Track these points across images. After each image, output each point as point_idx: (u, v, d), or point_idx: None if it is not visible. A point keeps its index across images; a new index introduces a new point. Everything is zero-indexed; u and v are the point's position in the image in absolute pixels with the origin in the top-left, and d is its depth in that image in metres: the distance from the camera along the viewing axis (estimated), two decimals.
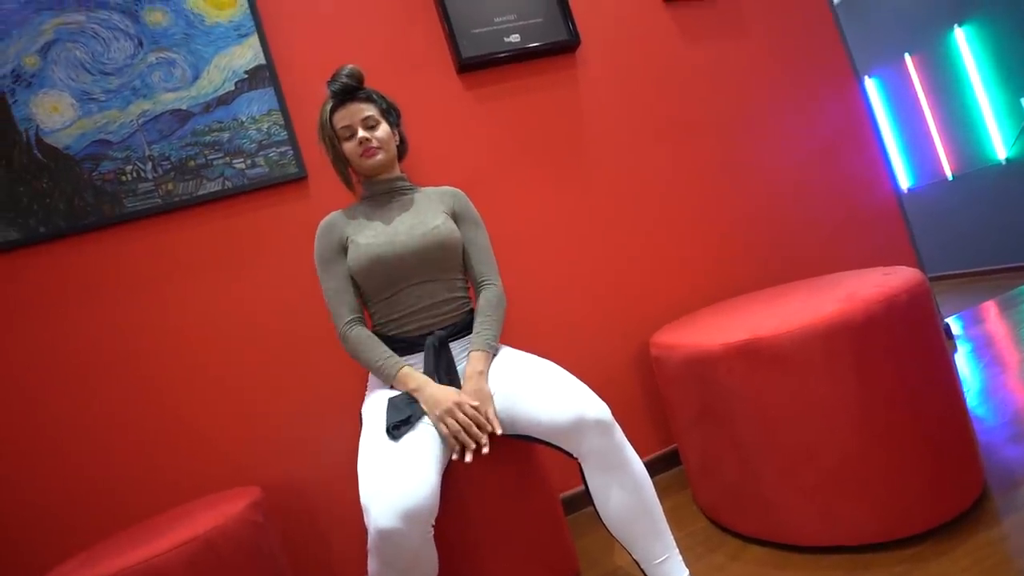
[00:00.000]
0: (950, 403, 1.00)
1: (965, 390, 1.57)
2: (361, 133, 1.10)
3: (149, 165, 1.38)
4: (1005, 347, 1.83)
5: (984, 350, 1.86)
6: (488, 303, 1.13)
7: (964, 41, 3.20)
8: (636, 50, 1.74)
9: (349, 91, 1.11)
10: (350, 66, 1.11)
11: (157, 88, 1.39)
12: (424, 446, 0.89)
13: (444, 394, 0.96)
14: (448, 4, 1.55)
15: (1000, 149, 3.17)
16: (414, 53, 1.57)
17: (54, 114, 1.33)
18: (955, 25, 3.20)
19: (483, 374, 1.02)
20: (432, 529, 0.82)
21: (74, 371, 1.29)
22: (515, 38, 1.59)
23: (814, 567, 0.99)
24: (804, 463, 0.99)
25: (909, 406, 0.96)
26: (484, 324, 1.10)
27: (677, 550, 0.92)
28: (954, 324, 2.29)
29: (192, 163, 1.40)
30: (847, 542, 0.98)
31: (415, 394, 0.98)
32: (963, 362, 1.82)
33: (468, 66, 1.57)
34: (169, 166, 1.39)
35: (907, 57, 3.53)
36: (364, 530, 0.81)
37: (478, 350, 1.05)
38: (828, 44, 1.93)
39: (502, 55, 1.58)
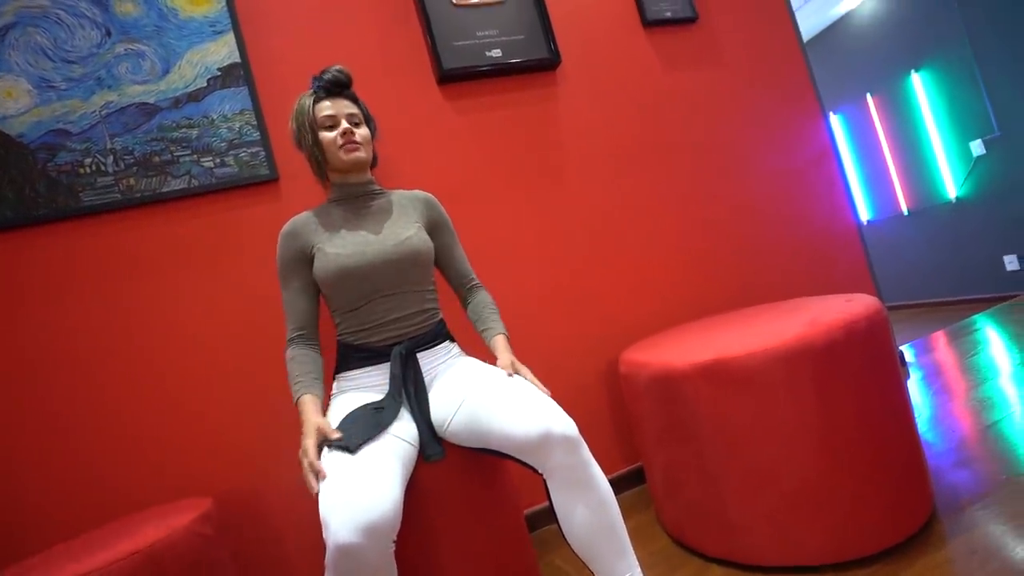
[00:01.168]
0: (903, 428, 1.04)
1: (916, 416, 1.63)
2: (345, 125, 1.09)
3: (110, 159, 1.32)
4: (953, 376, 1.92)
5: (934, 378, 1.95)
6: (487, 299, 1.21)
7: (920, 85, 3.40)
8: (614, 72, 1.78)
9: (340, 84, 1.11)
10: (341, 65, 1.13)
11: (123, 79, 1.35)
12: (387, 458, 0.86)
13: (307, 430, 0.92)
14: (431, 15, 1.56)
15: (951, 188, 3.36)
16: (395, 61, 1.57)
17: (7, 100, 1.26)
18: (912, 70, 3.41)
19: (509, 351, 1.10)
20: (393, 544, 0.79)
21: (11, 372, 1.21)
22: (496, 53, 1.61)
23: None
24: (765, 484, 1.00)
25: (865, 429, 0.98)
26: (493, 318, 1.18)
27: (639, 569, 0.91)
28: (907, 352, 2.39)
29: (157, 159, 1.35)
30: (805, 562, 1.00)
31: (303, 422, 0.95)
32: (915, 389, 1.89)
33: (449, 77, 1.57)
34: (132, 160, 1.33)
35: (868, 97, 3.73)
36: (323, 544, 0.78)
37: (500, 334, 1.14)
38: (798, 79, 2.02)
39: (483, 68, 1.59)
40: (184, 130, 1.37)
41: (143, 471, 1.26)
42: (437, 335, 1.12)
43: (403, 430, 0.95)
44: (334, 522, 0.74)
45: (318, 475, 0.84)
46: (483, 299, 1.21)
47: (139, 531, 0.95)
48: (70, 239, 1.28)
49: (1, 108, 1.26)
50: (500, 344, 1.11)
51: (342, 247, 1.06)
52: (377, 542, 0.75)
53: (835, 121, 4.01)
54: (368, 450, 0.86)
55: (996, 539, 0.97)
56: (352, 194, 1.15)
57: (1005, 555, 0.92)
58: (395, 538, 0.79)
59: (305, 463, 0.87)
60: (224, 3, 1.42)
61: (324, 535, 0.76)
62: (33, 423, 1.21)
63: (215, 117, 1.39)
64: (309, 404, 0.98)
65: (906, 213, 3.68)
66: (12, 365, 1.21)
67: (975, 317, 2.69)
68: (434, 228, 1.19)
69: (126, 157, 1.33)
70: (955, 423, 1.51)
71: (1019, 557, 0.91)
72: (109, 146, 1.32)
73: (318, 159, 1.13)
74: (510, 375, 1.01)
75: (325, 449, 0.89)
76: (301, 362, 1.06)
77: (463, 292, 1.24)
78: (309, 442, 0.89)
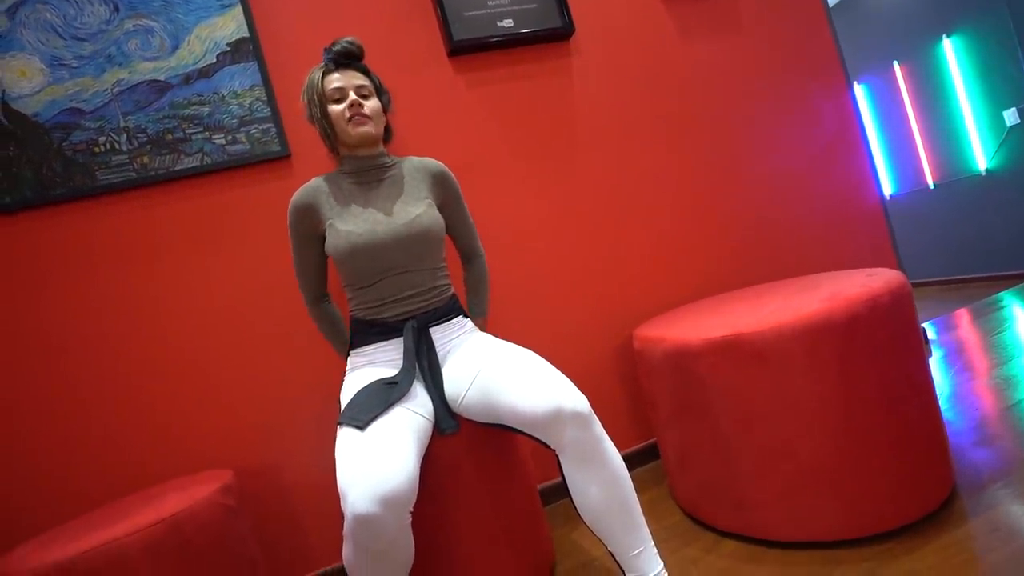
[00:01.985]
0: (925, 405, 1.02)
1: (938, 394, 1.60)
2: (353, 97, 1.08)
3: (124, 137, 1.32)
4: (976, 354, 1.87)
5: (956, 356, 1.90)
6: (481, 278, 1.30)
7: (951, 52, 3.25)
8: (631, 42, 1.72)
9: (350, 56, 1.10)
10: (352, 36, 1.11)
11: (134, 56, 1.34)
12: (403, 431, 0.87)
13: None
14: None
15: (981, 160, 3.23)
16: (404, 33, 1.53)
17: (22, 79, 1.27)
18: (943, 36, 3.25)
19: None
20: (410, 515, 0.81)
21: (39, 350, 1.24)
22: (508, 23, 1.56)
23: (786, 562, 0.99)
24: (781, 460, 0.99)
25: (886, 406, 0.97)
26: (474, 299, 1.28)
27: (652, 543, 0.91)
28: (929, 329, 2.34)
29: (170, 136, 1.35)
30: (819, 537, 1.00)
31: None
32: (937, 367, 1.85)
33: (460, 49, 1.54)
34: (145, 139, 1.33)
35: (895, 65, 3.57)
36: (340, 515, 0.80)
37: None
38: (822, 47, 1.94)
39: (495, 39, 1.55)
40: (195, 107, 1.37)
41: (165, 445, 1.29)
42: (450, 310, 1.12)
43: (418, 404, 0.96)
44: (352, 493, 0.76)
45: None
46: (479, 276, 1.31)
47: (162, 501, 0.98)
48: (88, 218, 1.30)
49: (16, 87, 1.26)
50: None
51: (354, 225, 1.05)
52: (394, 512, 0.76)
53: (859, 91, 3.86)
54: (385, 423, 0.87)
55: (1018, 518, 0.95)
56: (362, 167, 1.14)
57: None
58: (412, 509, 0.80)
59: None
60: None
61: (343, 506, 0.77)
62: (55, 399, 1.24)
63: (225, 93, 1.38)
64: None
65: (932, 187, 3.55)
66: (35, 343, 1.24)
67: (1001, 294, 2.61)
68: (443, 202, 1.19)
69: (139, 135, 1.33)
70: (976, 402, 1.48)
71: None
72: (122, 124, 1.32)
73: (327, 132, 1.11)
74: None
75: (339, 426, 0.91)
76: (339, 321, 1.24)
77: (466, 263, 1.32)
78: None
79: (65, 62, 1.29)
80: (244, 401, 1.35)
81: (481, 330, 1.16)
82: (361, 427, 0.86)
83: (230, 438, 1.33)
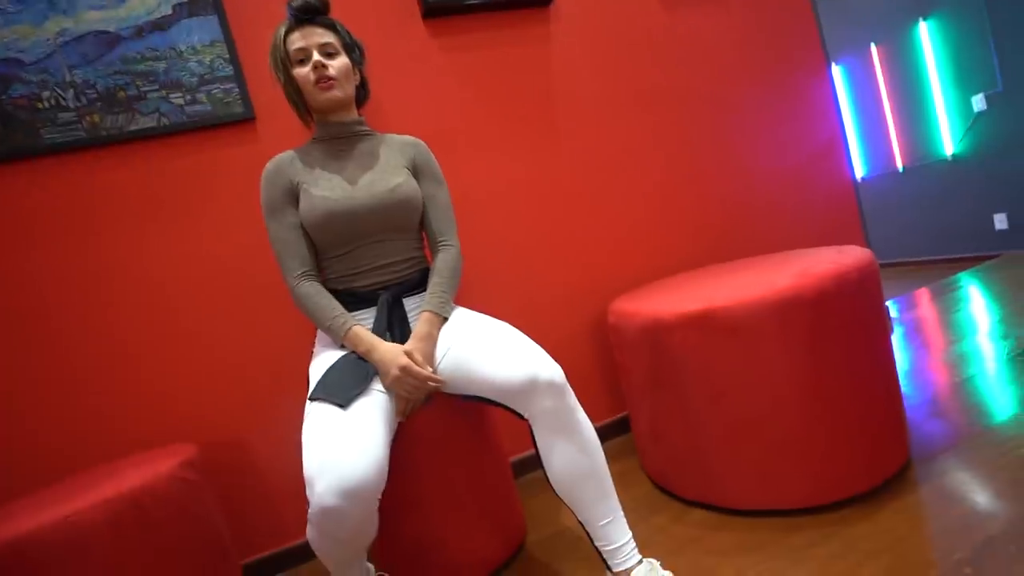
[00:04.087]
0: (886, 379, 1.05)
1: (897, 369, 1.67)
2: (316, 57, 1.00)
3: (71, 92, 1.23)
4: (933, 331, 1.95)
5: (915, 333, 1.98)
6: (445, 265, 1.07)
7: (926, 35, 3.28)
8: (611, 12, 1.67)
9: (311, 11, 1.01)
10: None
11: (79, 4, 1.24)
12: (374, 414, 0.85)
13: (393, 355, 0.92)
14: None
15: (948, 145, 3.31)
16: None
17: None
18: (920, 18, 3.28)
19: (433, 339, 0.99)
20: (377, 501, 0.80)
21: None
22: None
23: (750, 528, 1.03)
24: (750, 431, 1.02)
25: (851, 379, 0.99)
26: (439, 286, 1.05)
27: (621, 512, 0.93)
28: (891, 308, 2.42)
29: (122, 94, 1.26)
30: (783, 506, 1.03)
31: (365, 356, 0.94)
32: (897, 343, 1.93)
33: (435, 11, 1.47)
34: (95, 95, 1.24)
35: (873, 47, 3.60)
36: (305, 490, 0.78)
37: (430, 311, 1.01)
38: (804, 27, 1.92)
39: (472, 2, 1.48)
40: (150, 63, 1.28)
41: (129, 419, 1.25)
42: (423, 281, 1.09)
43: None
44: (319, 485, 0.74)
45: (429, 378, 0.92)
46: (442, 264, 1.08)
47: (122, 475, 0.94)
48: (32, 179, 1.21)
49: None
50: (423, 325, 0.99)
51: (329, 190, 1.01)
52: (361, 504, 0.76)
53: (837, 73, 3.89)
54: (355, 406, 0.85)
55: (964, 485, 1.00)
56: (336, 134, 1.08)
57: (971, 499, 0.96)
58: (379, 497, 0.79)
59: (416, 381, 0.91)
60: None
61: (308, 492, 0.76)
62: (16, 368, 1.18)
63: (183, 49, 1.30)
64: (368, 334, 0.96)
65: (901, 170, 3.64)
66: None
67: (959, 275, 2.72)
68: (418, 174, 1.12)
69: (88, 91, 1.24)
70: (931, 377, 1.54)
71: (982, 501, 0.94)
72: (68, 79, 1.23)
73: (295, 98, 1.06)
74: (401, 368, 0.91)
75: (309, 402, 0.88)
76: (326, 296, 1.00)
77: (432, 250, 1.12)
78: (405, 360, 0.91)
79: (0, 6, 1.19)
80: (210, 374, 1.31)
81: (430, 327, 0.99)
82: (344, 405, 0.84)
83: (197, 411, 1.29)
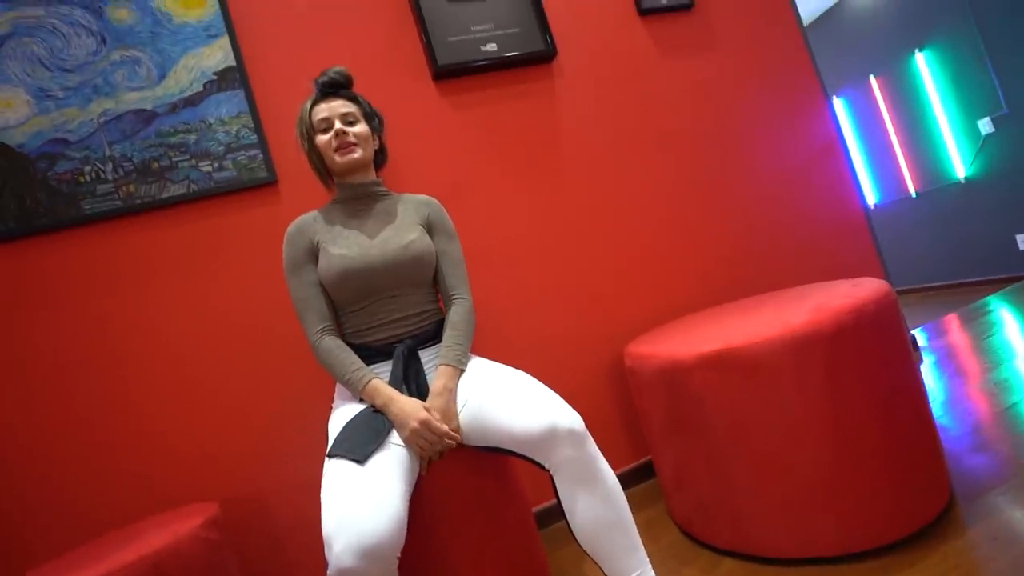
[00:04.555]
0: (917, 413, 1.02)
1: (931, 400, 1.60)
2: (338, 126, 1.08)
3: (109, 166, 1.32)
4: (967, 358, 1.88)
5: (948, 361, 1.91)
6: (460, 318, 1.09)
7: (924, 65, 3.34)
8: (612, 62, 1.75)
9: (335, 86, 1.11)
10: (341, 66, 1.11)
11: (120, 87, 1.35)
12: (392, 470, 0.85)
13: (412, 409, 0.93)
14: (425, 11, 1.55)
15: (959, 168, 3.30)
16: (390, 58, 1.56)
17: (6, 110, 1.27)
18: (916, 49, 3.35)
19: (451, 391, 0.99)
20: (397, 561, 0.79)
21: (21, 377, 1.22)
22: (492, 47, 1.59)
23: None
24: (776, 474, 0.98)
25: (879, 416, 0.96)
26: (455, 339, 1.06)
27: (649, 564, 0.90)
28: (919, 336, 2.35)
29: (156, 165, 1.35)
30: (818, 553, 0.98)
31: (383, 409, 0.95)
32: (928, 373, 1.86)
33: (444, 73, 1.56)
34: (131, 167, 1.33)
35: (872, 79, 3.67)
36: (325, 552, 0.77)
37: (447, 365, 1.02)
38: (798, 63, 1.98)
39: (479, 63, 1.57)
40: (182, 135, 1.37)
41: (150, 478, 1.26)
42: (439, 333, 1.11)
43: None
44: (337, 545, 0.74)
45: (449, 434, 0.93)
46: (457, 317, 1.09)
47: (144, 537, 0.95)
48: (72, 247, 1.29)
49: (1, 119, 1.26)
50: (441, 378, 1.00)
51: (346, 248, 1.05)
52: (380, 564, 0.75)
53: (838, 105, 3.95)
54: (373, 463, 0.85)
55: (1017, 524, 0.94)
56: (355, 195, 1.14)
57: None
58: (399, 555, 0.79)
59: (434, 436, 0.92)
60: (217, 7, 1.42)
61: (326, 553, 0.75)
62: (38, 431, 1.21)
63: (212, 121, 1.39)
64: (387, 387, 0.97)
65: (914, 195, 3.62)
66: (18, 373, 1.22)
67: (988, 298, 2.64)
68: (432, 230, 1.16)
69: (125, 164, 1.33)
70: (971, 406, 1.48)
71: None
72: (108, 153, 1.32)
73: (317, 164, 1.13)
74: (420, 421, 0.91)
75: (328, 459, 0.89)
76: (346, 351, 1.02)
77: (447, 304, 1.14)
78: (425, 415, 0.92)
79: (51, 93, 1.30)
80: (231, 429, 1.32)
81: (449, 380, 1.00)
82: (361, 461, 0.85)
83: (218, 467, 1.30)
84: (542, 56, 1.64)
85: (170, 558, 0.88)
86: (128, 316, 1.30)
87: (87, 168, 1.31)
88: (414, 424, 0.91)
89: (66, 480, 1.21)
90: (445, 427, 0.93)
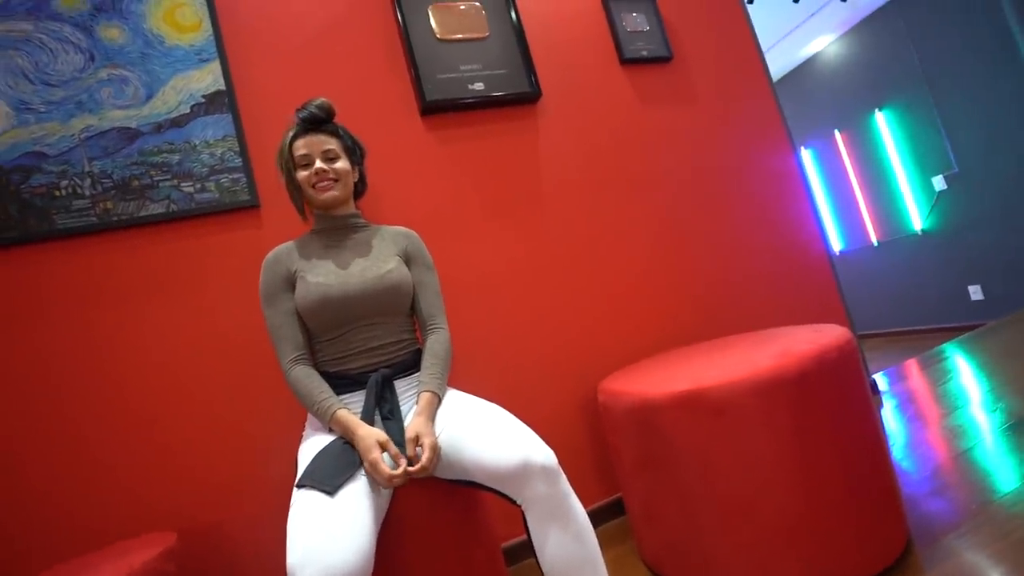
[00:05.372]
0: (877, 457, 1.05)
1: (890, 444, 1.66)
2: (319, 164, 1.09)
3: (87, 182, 1.31)
4: (926, 403, 1.96)
5: (907, 405, 1.99)
6: (439, 347, 1.11)
7: (884, 123, 3.58)
8: (593, 106, 1.83)
9: (316, 121, 1.11)
10: (322, 99, 1.12)
11: (105, 104, 1.34)
12: (361, 502, 0.84)
13: (367, 446, 0.91)
14: (416, 48, 1.60)
15: (916, 221, 3.50)
16: (378, 92, 1.60)
17: None
18: (876, 108, 3.59)
19: (431, 418, 0.99)
20: None
21: None
22: (479, 86, 1.65)
23: None
24: (742, 517, 1.00)
25: (840, 459, 0.99)
26: (435, 367, 1.07)
27: None
28: (881, 380, 2.44)
29: (136, 183, 1.34)
30: None
31: (349, 439, 0.95)
32: (889, 417, 1.93)
33: (432, 109, 1.60)
34: (110, 184, 1.32)
35: (837, 133, 3.90)
36: None
37: (428, 392, 1.03)
38: (768, 115, 2.11)
39: (466, 100, 1.63)
40: (165, 155, 1.37)
41: (107, 504, 1.20)
42: (415, 363, 1.11)
43: None
44: None
45: (393, 478, 0.88)
46: (438, 345, 1.11)
47: (98, 570, 0.90)
48: (41, 262, 1.25)
49: None
50: (422, 401, 1.01)
51: (324, 276, 1.06)
52: None
53: (806, 155, 4.17)
54: (341, 494, 0.84)
55: (972, 568, 0.98)
56: (334, 226, 1.15)
57: None
58: None
59: (381, 479, 0.88)
60: (211, 31, 1.44)
61: None
62: None
63: (197, 143, 1.39)
64: (352, 418, 0.96)
65: (875, 244, 3.81)
66: None
67: (944, 345, 2.76)
68: (409, 261, 1.17)
69: (104, 180, 1.32)
70: (929, 451, 1.53)
71: None
72: (87, 169, 1.31)
73: (295, 197, 1.14)
74: (369, 462, 0.89)
75: (296, 489, 0.87)
76: (316, 380, 1.02)
77: (424, 334, 1.15)
78: (375, 455, 0.89)
79: (32, 107, 1.29)
80: (196, 457, 1.28)
81: (430, 408, 1.01)
82: (331, 492, 0.83)
83: (178, 496, 1.25)
84: (527, 97, 1.71)
85: None
86: (96, 336, 1.26)
87: (63, 183, 1.29)
88: (366, 464, 0.90)
89: (18, 508, 1.15)
90: (388, 472, 0.89)
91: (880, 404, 2.09)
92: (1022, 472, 1.26)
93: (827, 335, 1.08)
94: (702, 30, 2.07)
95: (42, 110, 1.30)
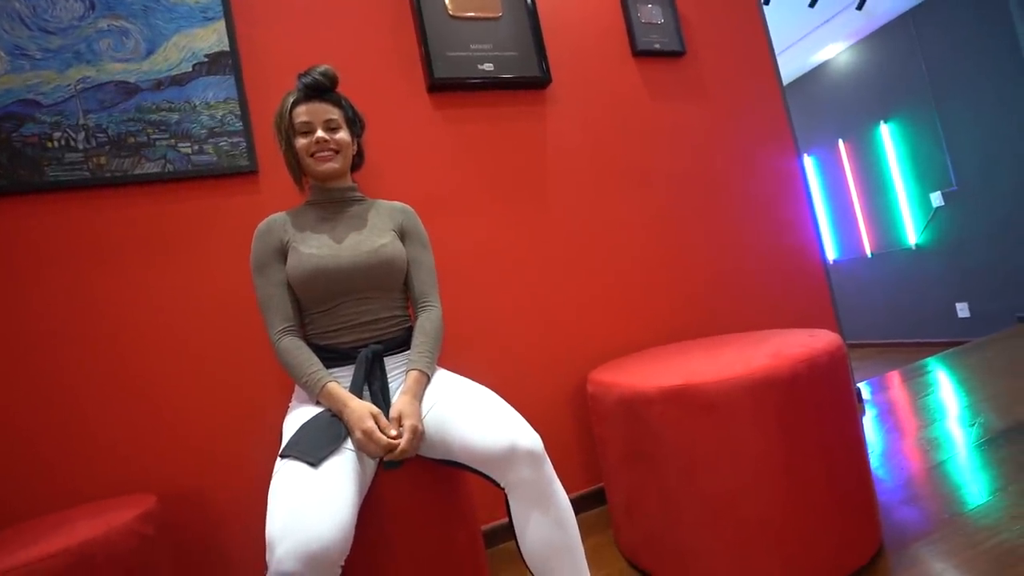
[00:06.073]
0: (857, 463, 1.07)
1: (870, 451, 1.69)
2: (320, 133, 1.07)
3: (82, 135, 1.27)
4: (905, 415, 1.99)
5: (887, 416, 2.02)
6: (430, 325, 1.10)
7: (888, 135, 3.59)
8: (602, 96, 1.82)
9: (319, 89, 1.08)
10: (326, 66, 1.09)
11: (104, 56, 1.31)
12: (344, 476, 0.83)
13: (359, 417, 0.91)
14: (427, 23, 1.57)
15: (911, 235, 3.53)
16: (386, 64, 1.57)
17: None
18: (881, 120, 3.59)
19: (417, 397, 0.99)
20: (340, 569, 0.77)
21: None
22: (488, 67, 1.62)
23: None
24: (724, 512, 1.01)
25: (823, 462, 1.01)
26: (424, 345, 1.07)
27: None
28: (864, 389, 2.47)
29: (132, 140, 1.31)
30: None
31: (338, 414, 0.94)
32: (869, 425, 1.96)
33: (439, 86, 1.58)
34: (105, 139, 1.29)
35: (840, 142, 3.91)
36: (267, 555, 0.75)
37: (417, 370, 1.02)
38: (776, 119, 2.10)
39: (474, 80, 1.60)
40: (164, 113, 1.34)
41: (89, 462, 1.19)
42: (407, 340, 1.11)
43: None
44: (280, 548, 0.72)
45: (391, 445, 0.89)
46: (428, 323, 1.10)
47: (75, 526, 0.89)
48: (30, 214, 1.23)
49: None
50: (409, 380, 1.01)
51: (317, 248, 1.04)
52: (322, 571, 0.73)
53: (808, 162, 4.18)
54: (325, 467, 0.83)
55: (940, 575, 1.00)
56: (329, 199, 1.14)
57: None
58: (343, 563, 0.77)
59: (377, 448, 0.89)
60: None
61: (268, 556, 0.73)
62: None
63: (197, 103, 1.36)
64: (342, 391, 0.96)
65: (869, 256, 3.84)
66: None
67: (928, 359, 2.81)
68: (404, 237, 1.16)
69: (99, 135, 1.28)
70: (904, 461, 1.56)
71: None
72: (82, 122, 1.28)
73: (291, 164, 1.12)
74: (363, 431, 0.89)
75: (279, 459, 0.87)
76: (306, 352, 1.01)
77: (416, 311, 1.14)
78: (369, 424, 0.89)
79: (28, 53, 1.25)
80: (181, 422, 1.27)
81: (418, 387, 1.01)
82: (314, 464, 0.83)
83: (161, 459, 1.24)
84: (536, 82, 1.68)
85: (99, 550, 0.83)
86: (86, 293, 1.24)
87: (56, 134, 1.26)
88: (358, 434, 0.90)
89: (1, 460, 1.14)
90: (386, 439, 0.90)
91: (863, 412, 2.12)
92: (993, 486, 1.29)
93: (821, 340, 1.09)
94: (717, 27, 2.05)
95: (38, 57, 1.26)
